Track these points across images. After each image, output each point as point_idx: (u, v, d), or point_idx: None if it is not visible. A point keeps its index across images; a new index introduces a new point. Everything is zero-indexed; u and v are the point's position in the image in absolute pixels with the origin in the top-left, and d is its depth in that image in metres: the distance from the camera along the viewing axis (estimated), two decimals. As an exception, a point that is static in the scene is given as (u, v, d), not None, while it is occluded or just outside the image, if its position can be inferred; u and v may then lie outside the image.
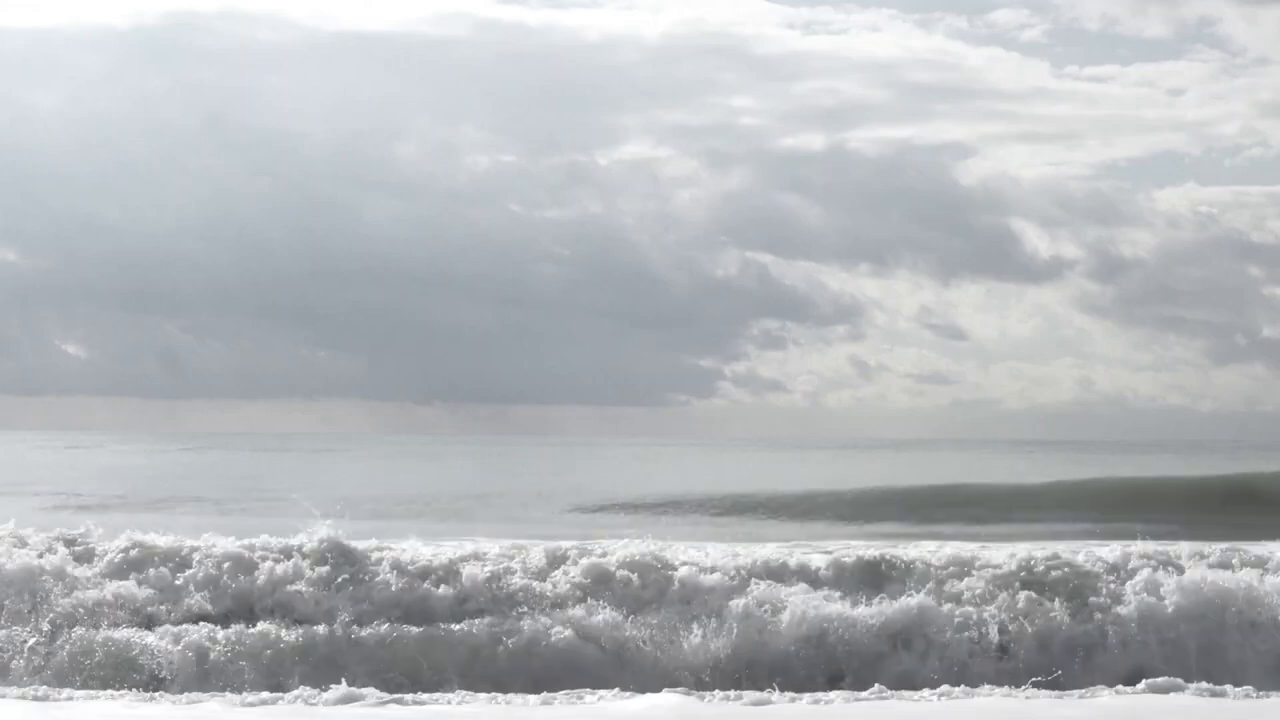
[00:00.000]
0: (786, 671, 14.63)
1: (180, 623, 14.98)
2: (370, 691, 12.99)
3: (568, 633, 14.95)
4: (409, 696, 13.04)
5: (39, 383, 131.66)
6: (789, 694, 13.30)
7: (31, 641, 14.68)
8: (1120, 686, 13.65)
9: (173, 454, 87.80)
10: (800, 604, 15.23)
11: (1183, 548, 16.60)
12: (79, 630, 14.81)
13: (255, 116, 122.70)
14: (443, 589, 15.60)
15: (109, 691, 13.49)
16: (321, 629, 14.91)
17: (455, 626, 15.09)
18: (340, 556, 15.86)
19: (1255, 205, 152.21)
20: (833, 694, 13.39)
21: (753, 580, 15.62)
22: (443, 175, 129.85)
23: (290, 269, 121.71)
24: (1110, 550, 16.40)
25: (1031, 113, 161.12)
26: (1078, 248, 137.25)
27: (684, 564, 15.95)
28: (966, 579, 15.85)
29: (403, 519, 31.10)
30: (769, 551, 16.62)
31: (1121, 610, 15.44)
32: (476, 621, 15.15)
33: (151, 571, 15.62)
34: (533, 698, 13.03)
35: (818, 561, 16.21)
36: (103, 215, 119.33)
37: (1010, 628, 15.28)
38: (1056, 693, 13.52)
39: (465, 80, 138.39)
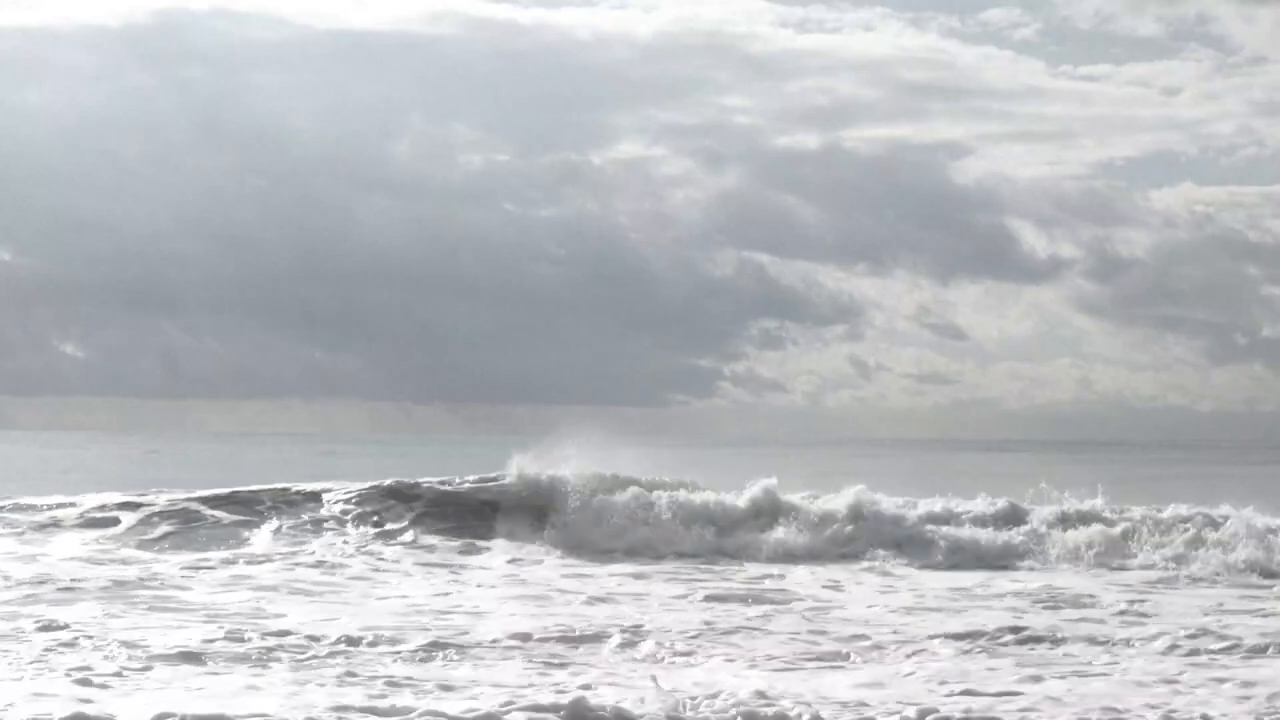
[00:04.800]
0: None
1: None
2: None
3: None
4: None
5: (36, 383, 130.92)
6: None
7: None
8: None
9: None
10: None
11: None
12: None
13: (248, 115, 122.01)
14: None
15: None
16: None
17: None
18: None
19: (1252, 205, 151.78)
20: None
21: None
22: (436, 174, 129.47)
23: (285, 268, 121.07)
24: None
25: (1026, 112, 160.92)
26: (1075, 247, 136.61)
27: None
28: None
29: None
30: None
31: None
32: None
33: None
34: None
35: None
36: (96, 214, 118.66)
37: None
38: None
39: (457, 79, 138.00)
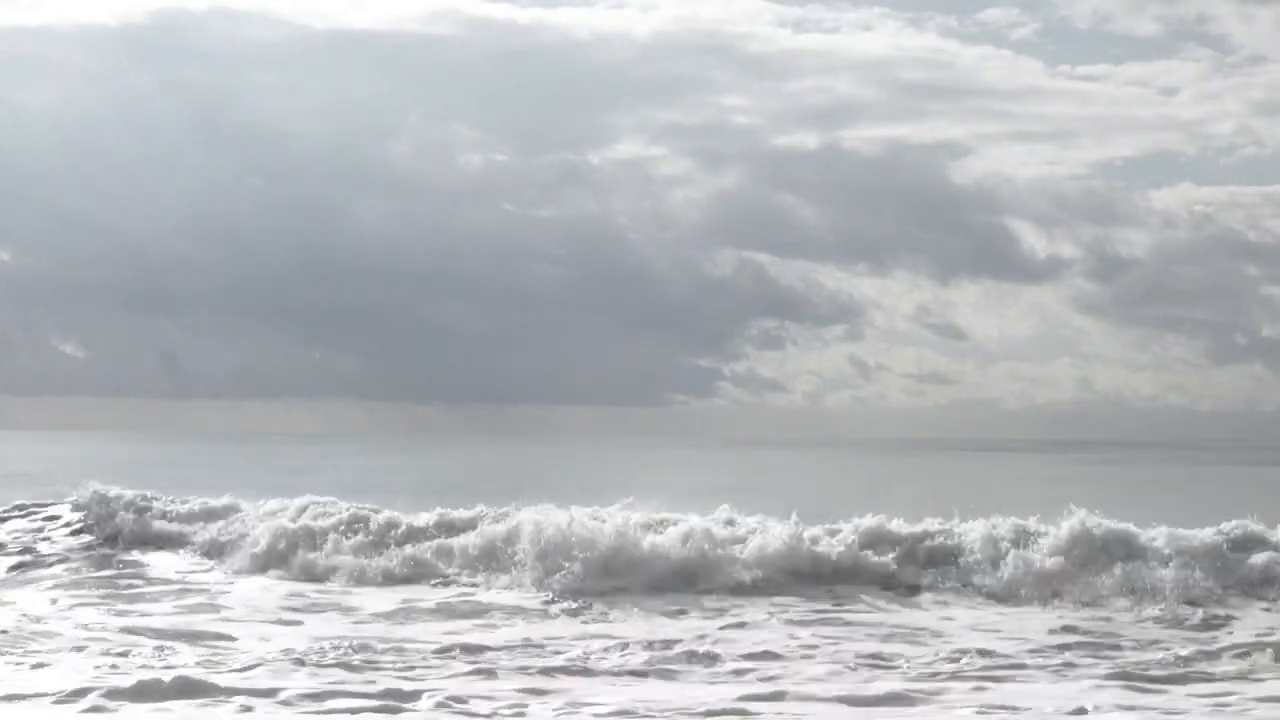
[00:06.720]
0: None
1: None
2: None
3: None
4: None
5: (35, 383, 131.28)
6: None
7: None
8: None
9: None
10: None
11: None
12: None
13: (246, 115, 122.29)
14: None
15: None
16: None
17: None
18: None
19: (1251, 205, 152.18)
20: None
21: None
22: (435, 174, 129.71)
23: (284, 268, 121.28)
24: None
25: (1025, 111, 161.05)
26: (1074, 247, 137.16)
27: None
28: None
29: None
30: None
31: None
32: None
33: None
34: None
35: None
36: (94, 215, 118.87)
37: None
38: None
39: (456, 79, 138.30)
